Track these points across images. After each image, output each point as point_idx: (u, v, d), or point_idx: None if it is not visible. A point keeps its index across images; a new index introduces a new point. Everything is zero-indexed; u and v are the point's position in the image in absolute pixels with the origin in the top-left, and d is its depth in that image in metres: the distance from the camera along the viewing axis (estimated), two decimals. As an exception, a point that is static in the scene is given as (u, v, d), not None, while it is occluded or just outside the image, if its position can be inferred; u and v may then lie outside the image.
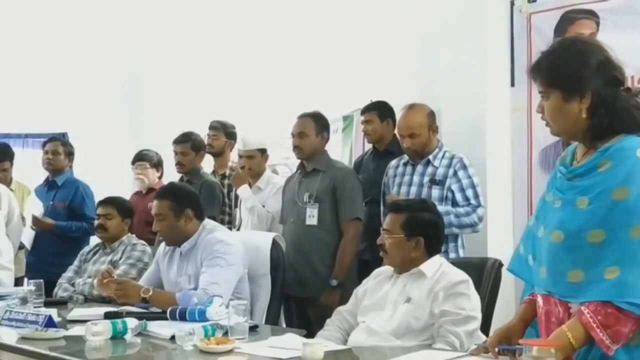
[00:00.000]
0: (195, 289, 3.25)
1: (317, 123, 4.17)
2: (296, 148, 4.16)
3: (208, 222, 3.53)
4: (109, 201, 4.28)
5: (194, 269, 3.36)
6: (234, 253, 3.35)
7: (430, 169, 3.87)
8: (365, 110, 4.44)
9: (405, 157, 4.00)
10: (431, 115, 3.95)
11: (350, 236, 3.98)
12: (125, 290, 3.28)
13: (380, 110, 4.36)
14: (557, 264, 1.94)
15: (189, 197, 3.52)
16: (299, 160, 4.31)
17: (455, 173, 3.81)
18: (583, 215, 1.90)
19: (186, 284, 3.36)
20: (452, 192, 3.79)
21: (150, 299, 3.21)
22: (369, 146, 4.64)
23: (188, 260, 3.41)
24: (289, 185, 4.30)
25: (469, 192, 3.78)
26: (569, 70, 1.95)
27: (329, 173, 4.08)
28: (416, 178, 3.90)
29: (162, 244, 3.62)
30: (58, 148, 5.39)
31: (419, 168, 3.91)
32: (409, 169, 3.96)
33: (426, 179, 3.86)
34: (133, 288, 3.29)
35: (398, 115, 4.05)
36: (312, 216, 4.01)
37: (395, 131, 4.19)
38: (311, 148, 4.14)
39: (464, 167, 3.82)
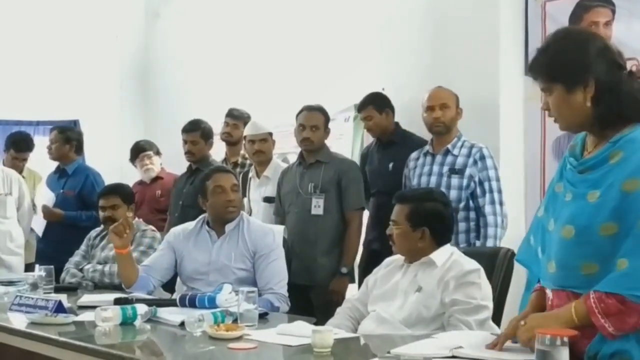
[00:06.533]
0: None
1: (325, 117, 4.22)
2: (306, 140, 4.16)
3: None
4: (111, 191, 4.16)
5: (234, 246, 3.39)
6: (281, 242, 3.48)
7: (449, 159, 3.88)
8: (362, 106, 4.36)
9: (425, 148, 4.01)
10: (458, 99, 3.97)
11: (356, 225, 4.10)
12: None
13: (376, 103, 4.31)
14: (569, 258, 1.91)
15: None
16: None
17: (475, 162, 3.81)
18: (593, 208, 1.86)
19: (227, 261, 3.38)
20: (475, 183, 3.79)
21: None
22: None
23: (228, 240, 3.43)
24: (287, 177, 4.30)
25: (486, 186, 3.79)
26: (569, 60, 1.91)
27: (332, 165, 4.15)
28: (436, 168, 3.90)
29: (175, 230, 3.61)
30: (56, 136, 5.37)
31: (439, 158, 3.92)
32: (428, 159, 3.97)
33: (445, 168, 3.87)
34: None
35: (425, 94, 3.99)
36: (317, 206, 4.08)
37: (425, 103, 3.96)
38: (320, 141, 4.19)
39: (483, 158, 3.81)
